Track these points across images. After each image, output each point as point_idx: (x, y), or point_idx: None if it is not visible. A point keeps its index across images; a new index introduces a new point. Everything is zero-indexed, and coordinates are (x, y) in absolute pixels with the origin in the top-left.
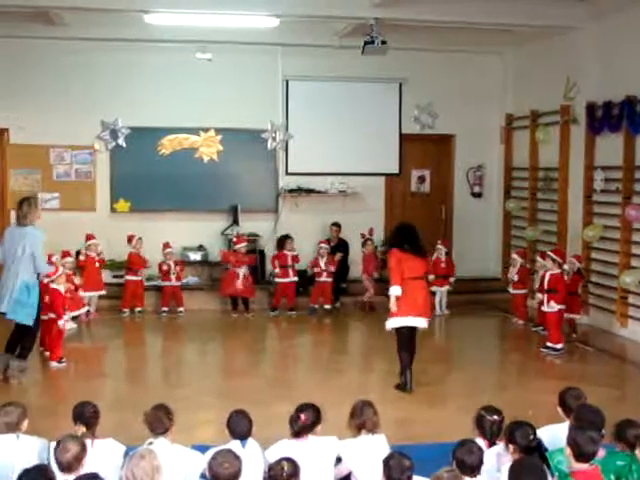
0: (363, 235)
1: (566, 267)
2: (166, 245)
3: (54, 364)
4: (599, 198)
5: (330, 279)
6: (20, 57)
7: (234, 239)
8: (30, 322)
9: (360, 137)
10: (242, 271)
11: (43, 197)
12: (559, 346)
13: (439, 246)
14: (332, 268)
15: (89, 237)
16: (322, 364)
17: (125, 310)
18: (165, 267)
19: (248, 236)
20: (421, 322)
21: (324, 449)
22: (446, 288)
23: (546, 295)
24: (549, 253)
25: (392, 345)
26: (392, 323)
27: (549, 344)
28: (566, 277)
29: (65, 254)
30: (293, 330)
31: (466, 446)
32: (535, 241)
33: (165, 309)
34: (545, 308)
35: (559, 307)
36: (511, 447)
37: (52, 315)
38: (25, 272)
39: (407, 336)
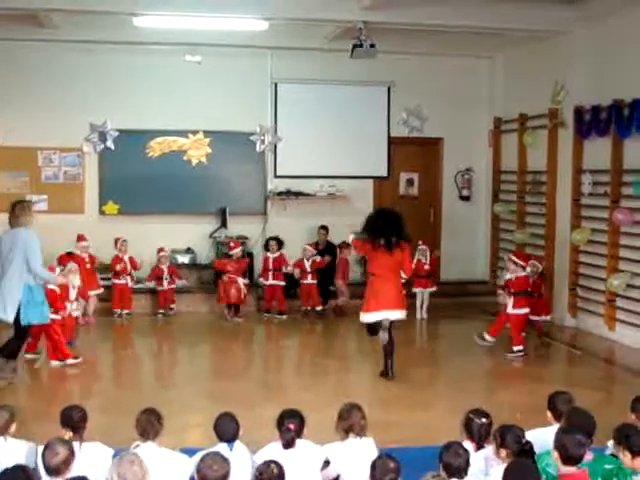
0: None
1: (529, 269)
2: (160, 250)
3: (70, 361)
4: (587, 201)
5: (314, 281)
6: (8, 59)
7: (231, 244)
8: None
9: (349, 140)
10: (240, 280)
11: (31, 199)
12: (517, 348)
13: (421, 247)
14: (314, 269)
15: (80, 238)
16: (310, 367)
17: (116, 311)
18: (158, 271)
19: (237, 239)
20: (397, 314)
21: (312, 453)
22: (429, 290)
23: (512, 298)
24: (511, 257)
25: (377, 348)
26: (367, 318)
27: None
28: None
29: (65, 259)
30: (281, 333)
31: (452, 449)
32: (523, 244)
33: (161, 311)
34: (510, 311)
35: (524, 310)
36: (503, 451)
37: (52, 315)
38: (24, 274)
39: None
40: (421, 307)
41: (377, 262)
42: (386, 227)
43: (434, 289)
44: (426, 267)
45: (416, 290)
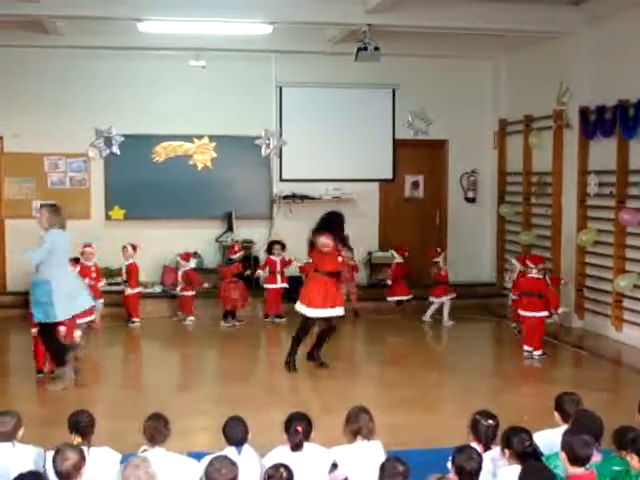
0: None
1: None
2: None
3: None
4: (593, 202)
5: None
6: (14, 65)
7: (235, 248)
8: (49, 319)
9: (354, 143)
10: (235, 281)
11: (37, 205)
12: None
13: (439, 252)
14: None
15: (86, 245)
16: (315, 370)
17: (134, 320)
18: (193, 276)
19: (242, 243)
20: (339, 311)
21: (320, 456)
22: (449, 297)
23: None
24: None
25: (385, 351)
26: (312, 312)
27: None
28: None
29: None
30: (284, 336)
31: (465, 452)
32: (529, 246)
33: (189, 317)
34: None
35: (544, 313)
36: (507, 452)
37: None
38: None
39: (313, 326)
40: (441, 313)
41: (327, 258)
42: (343, 228)
43: (454, 295)
44: (442, 273)
45: (434, 299)
